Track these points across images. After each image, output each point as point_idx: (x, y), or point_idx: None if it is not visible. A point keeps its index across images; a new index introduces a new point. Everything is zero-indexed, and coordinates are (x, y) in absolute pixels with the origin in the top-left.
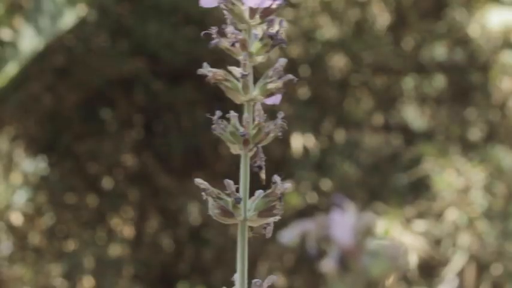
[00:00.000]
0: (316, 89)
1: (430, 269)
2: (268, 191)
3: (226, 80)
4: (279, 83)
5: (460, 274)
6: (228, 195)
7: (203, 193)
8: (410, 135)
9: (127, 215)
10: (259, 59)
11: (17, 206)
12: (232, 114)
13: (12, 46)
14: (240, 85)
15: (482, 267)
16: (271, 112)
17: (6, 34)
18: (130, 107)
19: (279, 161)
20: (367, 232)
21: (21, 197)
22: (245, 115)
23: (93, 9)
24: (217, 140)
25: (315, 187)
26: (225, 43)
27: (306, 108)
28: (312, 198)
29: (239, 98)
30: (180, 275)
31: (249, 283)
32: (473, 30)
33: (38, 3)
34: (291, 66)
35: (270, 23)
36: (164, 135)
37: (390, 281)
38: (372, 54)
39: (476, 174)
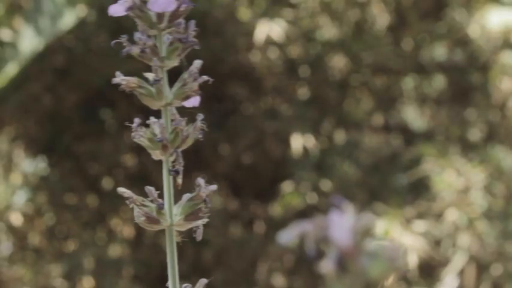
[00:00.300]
0: (316, 90)
1: (430, 269)
2: (193, 194)
3: (140, 87)
4: (193, 86)
5: (460, 274)
6: (152, 201)
7: (127, 202)
8: (410, 136)
9: (127, 215)
10: (171, 63)
11: (17, 207)
12: (152, 120)
13: (12, 46)
14: (154, 91)
15: (482, 267)
16: (271, 112)
17: (6, 34)
18: (130, 108)
19: (279, 161)
20: (366, 233)
21: (21, 198)
22: (161, 120)
23: (93, 10)
24: (217, 140)
25: (315, 187)
26: (135, 50)
27: (305, 108)
28: (312, 198)
29: (155, 104)
30: (180, 275)
31: None
32: (473, 30)
33: (38, 3)
34: (291, 67)
35: (179, 27)
36: None
37: (389, 282)
38: (372, 55)
39: (476, 175)
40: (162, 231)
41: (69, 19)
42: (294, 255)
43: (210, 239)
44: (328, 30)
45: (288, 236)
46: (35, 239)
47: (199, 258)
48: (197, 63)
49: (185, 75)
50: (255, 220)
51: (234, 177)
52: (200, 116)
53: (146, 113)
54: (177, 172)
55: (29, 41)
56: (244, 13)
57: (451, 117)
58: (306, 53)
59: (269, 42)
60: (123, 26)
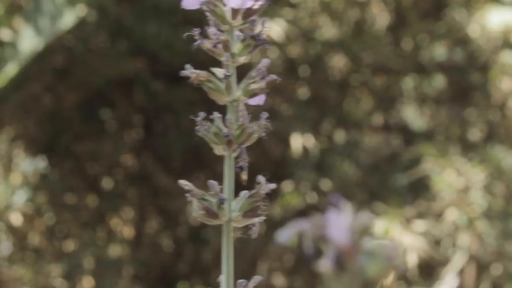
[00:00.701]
0: (315, 89)
1: (429, 269)
2: (253, 191)
3: (209, 81)
4: (262, 84)
5: (460, 274)
6: (213, 196)
7: (187, 194)
8: (410, 136)
9: (127, 215)
10: (242, 59)
11: (17, 206)
12: (216, 115)
13: (12, 46)
14: (223, 86)
15: (482, 267)
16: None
17: (6, 34)
18: (130, 107)
19: (279, 161)
20: (363, 232)
21: (20, 197)
22: (228, 116)
23: (93, 10)
24: None
25: (315, 187)
26: (207, 44)
27: (305, 108)
28: (312, 198)
29: (222, 99)
30: (179, 275)
31: (235, 284)
32: (473, 30)
33: (38, 3)
34: (291, 67)
35: (252, 24)
36: (164, 135)
37: (388, 281)
38: (372, 55)
39: (476, 175)
40: (163, 230)
41: (69, 19)
42: (294, 255)
43: (210, 239)
44: (328, 30)
45: (286, 235)
46: (34, 239)
47: (199, 258)
48: (265, 62)
49: (253, 72)
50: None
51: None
52: (265, 114)
53: (146, 112)
54: (241, 168)
55: (29, 41)
56: None
57: (451, 117)
58: (306, 53)
59: (269, 42)
60: (123, 26)
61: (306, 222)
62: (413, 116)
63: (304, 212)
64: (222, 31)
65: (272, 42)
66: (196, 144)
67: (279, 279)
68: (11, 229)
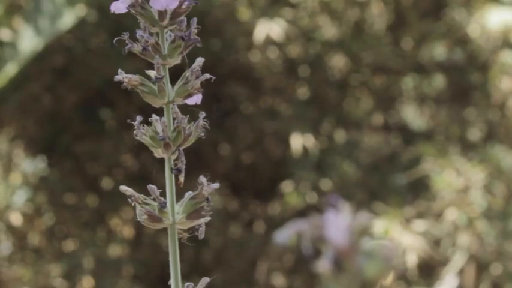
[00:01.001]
0: (315, 89)
1: (429, 269)
2: (195, 192)
3: (142, 84)
4: (195, 83)
5: (460, 274)
6: (154, 200)
7: (129, 200)
8: (409, 135)
9: (127, 215)
10: (173, 61)
11: (17, 206)
12: (154, 117)
13: (11, 46)
14: (156, 89)
15: (481, 267)
16: (270, 111)
17: (5, 34)
18: (130, 107)
19: (279, 161)
20: (362, 232)
21: (20, 197)
22: (163, 118)
23: (93, 10)
24: (217, 140)
25: (315, 187)
26: (137, 48)
27: (305, 108)
28: (312, 198)
29: (157, 102)
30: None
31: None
32: (472, 30)
33: (38, 3)
34: (291, 66)
35: (180, 25)
36: None
37: (387, 281)
38: (372, 54)
39: (475, 174)
40: (163, 230)
41: (68, 19)
42: (294, 255)
43: (209, 239)
44: (327, 30)
45: (284, 235)
46: (34, 238)
47: (199, 258)
48: (199, 61)
49: (187, 73)
50: (254, 220)
51: (233, 177)
52: (202, 114)
53: (146, 112)
54: (179, 170)
55: (29, 41)
56: (243, 13)
57: (451, 116)
58: (306, 53)
59: (269, 41)
60: (123, 26)
61: (304, 223)
62: (413, 116)
63: (304, 212)
64: (151, 34)
65: (272, 42)
66: (196, 144)
67: (278, 279)
68: (11, 229)
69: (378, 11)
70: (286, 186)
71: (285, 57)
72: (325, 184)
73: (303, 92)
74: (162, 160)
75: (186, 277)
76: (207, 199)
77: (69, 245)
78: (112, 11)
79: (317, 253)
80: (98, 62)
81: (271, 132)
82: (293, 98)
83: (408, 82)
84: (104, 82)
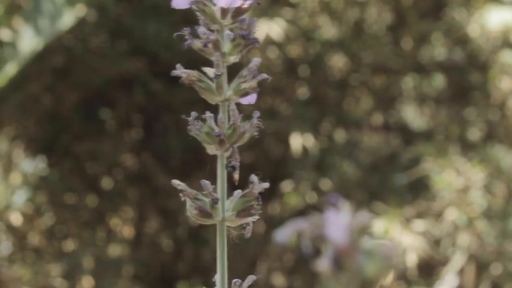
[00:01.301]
0: (315, 89)
1: (429, 268)
2: (246, 190)
3: (200, 80)
4: (252, 83)
5: (460, 274)
6: (206, 195)
7: (180, 194)
8: (409, 135)
9: (126, 215)
10: (232, 59)
11: (17, 206)
12: (208, 114)
13: (11, 46)
14: (213, 86)
15: (481, 266)
16: (270, 111)
17: (5, 34)
18: (130, 107)
19: (279, 160)
20: (362, 231)
21: (20, 197)
22: (219, 115)
23: (93, 9)
24: None
25: (315, 187)
26: (197, 44)
27: (305, 108)
28: (312, 198)
29: (213, 99)
30: (179, 275)
31: (230, 283)
32: (472, 30)
33: (37, 3)
34: (291, 66)
35: (242, 23)
36: (163, 135)
37: (388, 280)
38: (371, 54)
39: (475, 174)
40: (162, 230)
41: (68, 19)
42: (294, 255)
43: (209, 239)
44: (327, 30)
45: (284, 235)
46: (34, 238)
47: (199, 258)
48: (256, 61)
49: (244, 72)
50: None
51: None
52: (256, 113)
53: (146, 112)
54: (233, 168)
55: (29, 41)
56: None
57: (451, 116)
58: (306, 53)
59: (268, 41)
60: (123, 26)
61: (304, 222)
62: (413, 116)
63: (304, 212)
64: (212, 31)
65: (272, 42)
66: (196, 144)
67: (278, 279)
68: (11, 229)
69: (378, 11)
70: (286, 186)
71: (284, 57)
72: (325, 184)
73: (302, 91)
74: (161, 160)
75: (186, 277)
76: (257, 198)
77: (69, 245)
78: (173, 6)
79: (317, 252)
80: (97, 62)
81: (271, 132)
82: (293, 98)
83: (408, 82)
84: (104, 82)
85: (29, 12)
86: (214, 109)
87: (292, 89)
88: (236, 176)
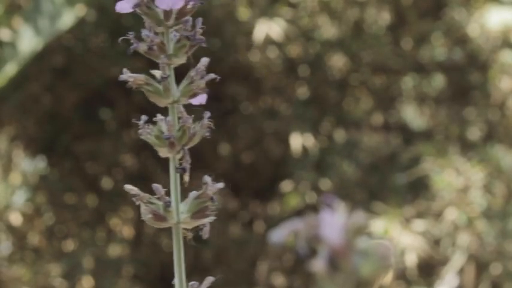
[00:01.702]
0: (315, 89)
1: (429, 268)
2: (200, 191)
3: (148, 84)
4: (200, 83)
5: (460, 273)
6: (159, 199)
7: (133, 199)
8: (409, 135)
9: (126, 215)
10: (178, 60)
11: (16, 206)
12: (159, 117)
13: (11, 46)
14: (161, 88)
15: (481, 266)
16: (270, 111)
17: (5, 34)
18: (130, 107)
19: (278, 160)
20: (357, 231)
21: (20, 197)
22: (168, 118)
23: (92, 9)
24: (216, 140)
25: (314, 187)
26: (143, 47)
27: (305, 108)
28: (311, 198)
29: (162, 101)
30: None
31: (187, 286)
32: (472, 29)
33: (37, 3)
34: (290, 66)
35: (186, 24)
36: None
37: (384, 280)
38: (371, 54)
39: (475, 174)
40: (163, 230)
41: (68, 19)
42: (293, 255)
43: (209, 239)
44: (327, 30)
45: (279, 235)
46: (34, 238)
47: (199, 258)
48: (204, 61)
49: (192, 72)
50: (254, 219)
51: (233, 176)
52: (207, 114)
53: (145, 112)
54: (184, 170)
55: (28, 41)
56: (243, 12)
57: (451, 116)
58: (306, 53)
59: (268, 41)
60: (123, 26)
61: (300, 222)
62: (413, 116)
63: (303, 212)
64: (157, 33)
65: (271, 42)
66: (196, 144)
67: (278, 279)
68: (11, 229)
69: (378, 10)
70: (286, 186)
71: (284, 57)
72: (325, 184)
73: (302, 91)
74: (161, 161)
75: (186, 277)
76: (212, 199)
77: (69, 245)
78: (117, 11)
79: (313, 252)
80: (97, 62)
81: (271, 132)
82: (293, 98)
83: (408, 82)
84: (104, 82)
85: (29, 12)
86: (216, 109)
87: (292, 88)
88: (186, 177)
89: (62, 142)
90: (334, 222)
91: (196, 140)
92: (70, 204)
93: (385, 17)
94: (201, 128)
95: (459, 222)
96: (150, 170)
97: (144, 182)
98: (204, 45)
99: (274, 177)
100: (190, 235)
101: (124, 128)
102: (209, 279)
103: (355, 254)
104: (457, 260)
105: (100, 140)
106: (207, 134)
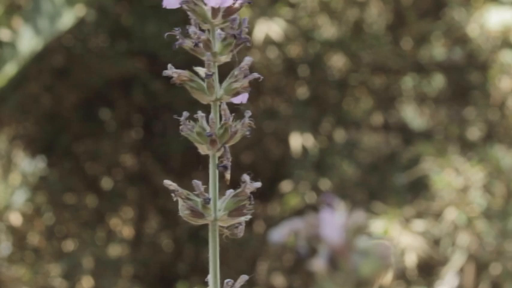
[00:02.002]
0: (315, 89)
1: (429, 268)
2: (238, 190)
3: (191, 80)
4: (244, 82)
5: (460, 273)
6: (197, 195)
7: (172, 195)
8: (409, 135)
9: (126, 215)
10: (223, 58)
11: (16, 207)
12: (200, 114)
13: (11, 46)
14: (205, 85)
15: (481, 266)
16: (270, 111)
17: (5, 34)
18: (130, 107)
19: (279, 160)
20: (357, 231)
21: (20, 198)
22: (211, 115)
23: (92, 10)
24: None
25: (314, 187)
26: (188, 44)
27: (305, 107)
28: (311, 198)
29: (205, 98)
30: (179, 275)
31: (222, 284)
32: (472, 29)
33: (37, 3)
34: (290, 66)
35: (233, 23)
36: (163, 135)
37: (384, 280)
38: (371, 54)
39: (475, 174)
40: (162, 229)
41: (67, 19)
42: (294, 255)
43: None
44: (327, 30)
45: (279, 234)
46: (34, 238)
47: (199, 258)
48: (248, 60)
49: (236, 71)
50: (254, 219)
51: (233, 176)
52: (248, 113)
53: (144, 112)
54: (225, 167)
55: (28, 41)
56: (243, 12)
57: (450, 116)
58: (305, 53)
59: (268, 41)
60: (122, 26)
61: (299, 221)
62: (413, 116)
63: (303, 212)
64: (203, 30)
65: (271, 42)
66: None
67: (278, 279)
68: (11, 229)
69: (377, 10)
70: (286, 186)
71: (284, 57)
72: (325, 184)
73: (302, 91)
74: (161, 160)
75: (185, 277)
76: (250, 197)
77: (69, 245)
78: (164, 6)
79: (313, 252)
80: (97, 62)
81: (271, 132)
82: (293, 98)
83: (408, 82)
84: (104, 82)
85: (29, 13)
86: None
87: (291, 88)
88: (227, 175)
89: (61, 142)
90: (334, 221)
91: (237, 139)
92: (70, 205)
93: (384, 17)
94: (242, 127)
95: (459, 222)
96: (149, 170)
97: (143, 182)
98: (248, 44)
99: (274, 177)
100: (227, 232)
101: (124, 128)
102: (243, 278)
103: (355, 254)
104: (457, 259)
105: (100, 140)
106: (248, 132)
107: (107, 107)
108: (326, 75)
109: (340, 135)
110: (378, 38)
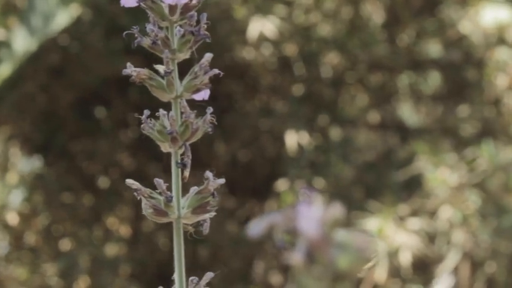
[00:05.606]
0: (310, 87)
1: (424, 266)
2: (201, 187)
3: (151, 78)
4: (204, 79)
5: (455, 271)
6: (160, 194)
7: (135, 193)
8: (405, 133)
9: (123, 214)
10: (182, 55)
11: (13, 206)
12: (161, 112)
13: (6, 46)
14: (165, 83)
15: (476, 264)
16: (265, 109)
17: (0, 34)
18: (126, 106)
19: (274, 159)
20: (334, 224)
21: (16, 197)
22: (171, 113)
23: (88, 8)
24: (212, 138)
25: (310, 185)
26: (147, 41)
27: (300, 105)
28: None
29: (165, 96)
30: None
31: (187, 282)
32: (467, 27)
33: (32, 3)
34: (285, 64)
35: (191, 19)
36: None
37: (360, 272)
38: (367, 52)
39: (470, 172)
40: (161, 229)
41: (63, 18)
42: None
43: (206, 236)
44: (322, 27)
45: (257, 228)
46: (31, 238)
47: (196, 256)
48: (208, 56)
49: (196, 68)
50: (251, 218)
51: (229, 175)
52: (209, 109)
53: (141, 111)
54: (184, 165)
55: (23, 41)
56: (238, 10)
57: (446, 113)
58: (301, 50)
59: (263, 39)
60: (118, 24)
61: (277, 215)
62: (409, 113)
63: None
64: (161, 28)
65: (266, 40)
66: (193, 143)
67: (275, 277)
68: (7, 228)
69: (373, 8)
70: (282, 184)
71: (279, 54)
72: (320, 182)
73: (298, 89)
74: (158, 159)
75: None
76: (213, 194)
77: (66, 244)
78: (122, 5)
79: (290, 245)
80: (93, 61)
81: (266, 130)
82: (288, 96)
83: (404, 79)
84: (100, 81)
85: (24, 12)
86: (216, 107)
87: (287, 86)
88: (186, 173)
89: (58, 141)
90: (311, 214)
91: (198, 136)
92: (67, 204)
93: (380, 15)
94: (204, 124)
95: (454, 220)
96: (146, 169)
97: (141, 181)
98: (208, 40)
99: (271, 175)
100: (191, 229)
101: (120, 127)
102: (208, 275)
103: (333, 247)
104: (452, 258)
105: (96, 139)
106: (210, 129)
107: (103, 106)
108: (321, 72)
109: (335, 133)
110: (373, 36)
